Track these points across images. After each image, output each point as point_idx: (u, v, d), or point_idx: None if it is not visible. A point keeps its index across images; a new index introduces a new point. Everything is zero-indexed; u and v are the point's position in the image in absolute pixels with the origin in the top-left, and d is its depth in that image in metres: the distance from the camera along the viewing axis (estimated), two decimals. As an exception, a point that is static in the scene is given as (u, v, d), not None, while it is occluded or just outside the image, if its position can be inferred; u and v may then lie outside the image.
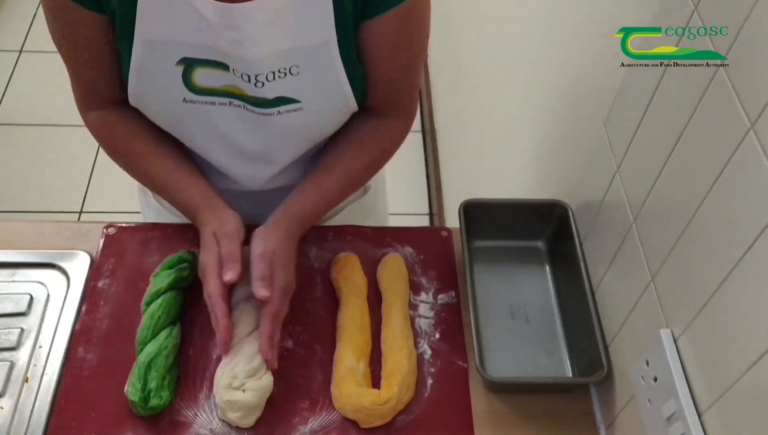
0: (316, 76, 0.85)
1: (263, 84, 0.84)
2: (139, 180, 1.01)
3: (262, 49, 0.81)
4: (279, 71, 0.84)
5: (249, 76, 0.83)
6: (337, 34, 0.83)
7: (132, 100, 0.89)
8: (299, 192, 0.95)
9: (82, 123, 0.96)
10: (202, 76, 0.85)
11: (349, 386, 0.87)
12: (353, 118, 0.96)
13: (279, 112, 0.88)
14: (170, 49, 0.82)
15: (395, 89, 0.95)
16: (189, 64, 0.83)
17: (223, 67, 0.83)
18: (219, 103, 0.87)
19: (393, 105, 0.96)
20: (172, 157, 0.96)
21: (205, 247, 0.88)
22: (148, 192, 1.16)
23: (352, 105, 0.91)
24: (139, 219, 1.23)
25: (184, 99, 0.86)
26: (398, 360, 0.90)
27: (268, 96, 0.86)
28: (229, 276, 0.84)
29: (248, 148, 0.94)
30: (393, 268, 1.01)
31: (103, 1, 0.80)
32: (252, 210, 1.08)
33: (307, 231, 0.96)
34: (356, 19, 0.84)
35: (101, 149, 0.99)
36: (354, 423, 0.87)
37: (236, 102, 0.87)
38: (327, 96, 0.88)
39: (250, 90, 0.85)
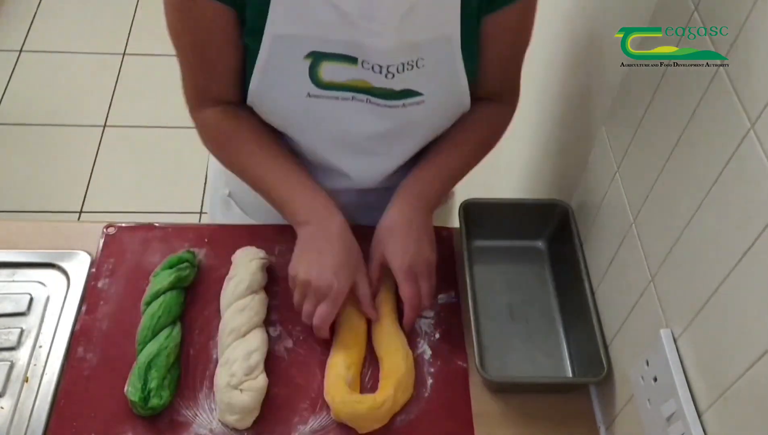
0: (439, 69, 0.88)
1: (393, 75, 0.85)
2: (245, 176, 0.98)
3: (394, 39, 0.82)
4: (408, 63, 0.85)
5: (381, 67, 0.84)
6: (461, 28, 0.85)
7: (251, 98, 0.90)
8: (417, 172, 0.97)
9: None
10: (328, 71, 0.85)
11: (342, 394, 0.86)
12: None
13: (404, 104, 0.89)
14: (300, 43, 0.83)
15: (506, 77, 0.98)
16: (317, 58, 0.84)
17: (351, 60, 0.84)
18: (342, 98, 0.88)
19: (502, 92, 1.00)
20: (286, 155, 0.95)
21: (343, 272, 0.88)
22: (232, 203, 1.16)
23: (467, 102, 0.93)
24: (138, 219, 1.23)
25: (309, 93, 0.87)
26: (395, 361, 0.90)
27: (395, 87, 0.87)
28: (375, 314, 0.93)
29: (367, 140, 0.94)
30: None
31: None
32: (361, 209, 1.06)
33: (432, 206, 0.97)
34: (480, 14, 0.86)
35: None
36: (354, 423, 0.87)
37: (359, 96, 0.88)
38: (447, 90, 0.90)
39: (378, 81, 0.86)
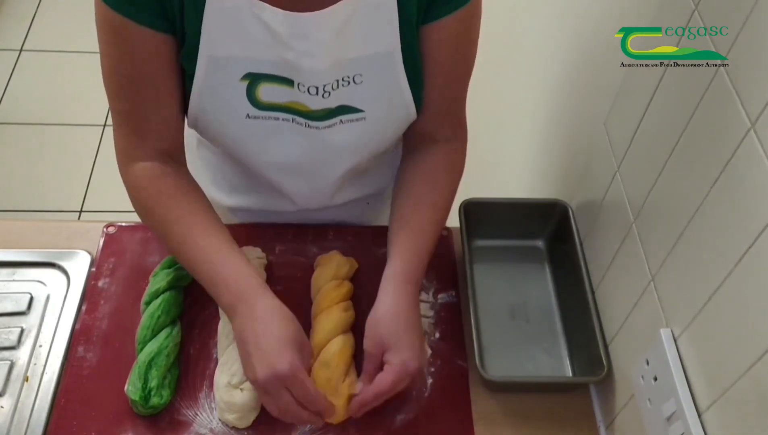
0: (379, 84, 0.85)
1: (329, 94, 0.83)
2: (171, 245, 0.87)
3: (329, 58, 0.80)
4: (343, 79, 0.83)
5: (317, 89, 0.82)
6: (401, 42, 0.82)
7: (192, 122, 0.88)
8: (401, 253, 0.87)
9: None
10: (266, 92, 0.83)
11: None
12: (415, 156, 0.94)
13: (341, 121, 0.86)
14: (235, 65, 0.81)
15: (450, 103, 0.92)
16: (254, 79, 0.82)
17: (287, 82, 0.82)
18: (282, 119, 0.86)
19: (448, 123, 0.94)
20: (212, 225, 0.86)
21: (290, 354, 0.76)
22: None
23: (412, 113, 0.89)
24: (138, 218, 1.22)
25: (248, 115, 0.85)
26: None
27: (331, 105, 0.85)
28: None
29: (308, 165, 0.92)
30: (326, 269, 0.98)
31: (175, 20, 0.78)
32: (304, 217, 1.06)
33: (420, 286, 0.89)
34: (417, 24, 0.83)
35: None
36: (354, 423, 0.87)
37: (299, 119, 0.86)
38: (389, 104, 0.87)
39: (315, 104, 0.84)
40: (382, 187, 1.08)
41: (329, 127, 0.87)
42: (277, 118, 0.86)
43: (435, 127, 0.93)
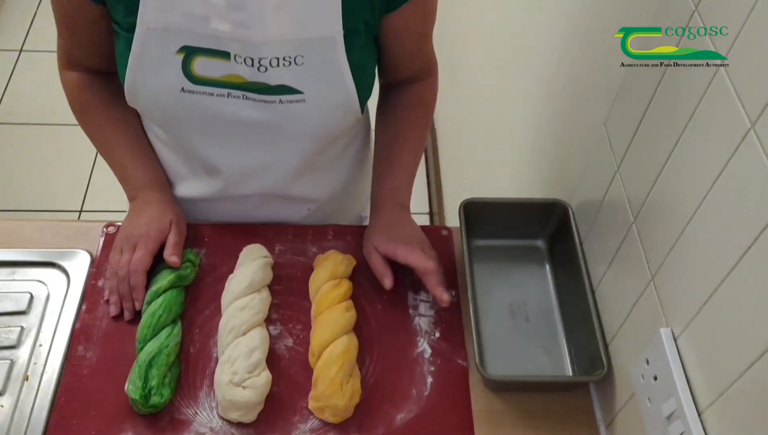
0: (320, 69, 0.87)
1: (266, 69, 0.85)
2: (95, 144, 1.03)
3: (267, 32, 0.82)
4: (284, 59, 0.85)
5: (252, 60, 0.84)
6: (344, 29, 0.84)
7: (128, 94, 0.90)
8: (386, 180, 1.04)
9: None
10: (202, 66, 0.85)
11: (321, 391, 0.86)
12: (390, 99, 1.06)
13: (281, 101, 0.88)
14: (171, 37, 0.83)
15: (422, 58, 1.03)
16: (189, 53, 0.84)
17: (224, 55, 0.84)
18: (217, 95, 0.88)
19: (421, 69, 1.04)
20: (130, 132, 1.01)
21: (154, 223, 0.96)
22: None
23: (355, 104, 0.91)
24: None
25: (183, 88, 0.87)
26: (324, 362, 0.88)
27: (270, 82, 0.87)
28: (175, 259, 0.95)
29: (247, 133, 0.93)
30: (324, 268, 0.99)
31: None
32: (244, 214, 1.07)
33: (407, 206, 1.05)
34: (375, 15, 0.87)
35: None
36: (354, 423, 0.87)
37: (235, 92, 0.88)
38: (330, 90, 0.89)
39: (252, 75, 0.86)
40: (322, 198, 1.10)
41: (267, 103, 0.89)
42: (212, 94, 0.88)
43: (409, 75, 1.03)
